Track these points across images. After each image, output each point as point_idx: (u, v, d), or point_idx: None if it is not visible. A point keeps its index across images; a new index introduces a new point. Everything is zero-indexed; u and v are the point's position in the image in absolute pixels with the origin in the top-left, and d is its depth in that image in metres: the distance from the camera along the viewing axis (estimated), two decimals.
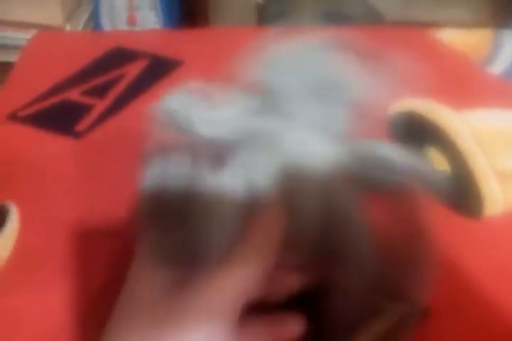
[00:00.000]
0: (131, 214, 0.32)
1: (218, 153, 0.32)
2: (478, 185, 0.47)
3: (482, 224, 0.49)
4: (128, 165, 0.55)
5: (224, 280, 0.28)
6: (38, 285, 0.42)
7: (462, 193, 0.49)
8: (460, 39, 0.79)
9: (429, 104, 0.51)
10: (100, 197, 0.51)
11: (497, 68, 0.80)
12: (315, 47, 0.35)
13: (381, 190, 0.33)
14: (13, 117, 0.62)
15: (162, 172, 0.30)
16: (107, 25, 1.49)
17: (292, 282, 0.32)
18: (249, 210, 0.30)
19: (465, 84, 0.70)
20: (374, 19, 1.43)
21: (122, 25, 1.52)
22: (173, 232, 0.28)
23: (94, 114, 0.63)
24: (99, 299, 0.40)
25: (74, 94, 0.67)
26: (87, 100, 0.66)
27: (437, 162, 0.50)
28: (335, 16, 1.32)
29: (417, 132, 0.51)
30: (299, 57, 0.35)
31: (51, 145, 0.58)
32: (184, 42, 0.82)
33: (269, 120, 0.34)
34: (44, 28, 1.24)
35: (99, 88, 0.68)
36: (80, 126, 0.61)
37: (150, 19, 1.51)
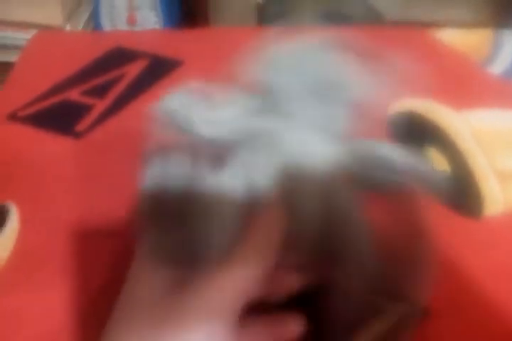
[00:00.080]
0: (131, 214, 0.32)
1: (218, 153, 0.32)
2: (478, 185, 0.47)
3: (482, 224, 0.49)
4: (128, 165, 0.55)
5: (224, 280, 0.28)
6: (38, 285, 0.42)
7: (462, 193, 0.49)
8: (460, 39, 0.79)
9: (429, 104, 0.51)
10: (100, 197, 0.51)
11: (497, 68, 0.80)
12: (315, 47, 0.35)
13: (381, 190, 0.33)
14: (13, 117, 0.62)
15: (162, 173, 0.30)
16: (107, 25, 1.49)
17: (292, 282, 0.32)
18: (250, 210, 0.30)
19: (465, 84, 0.70)
20: (374, 19, 1.43)
21: (122, 25, 1.52)
22: (173, 232, 0.28)
23: (94, 114, 0.63)
24: (99, 299, 0.40)
25: (74, 94, 0.67)
26: (87, 100, 0.66)
27: (437, 162, 0.50)
28: (335, 16, 1.32)
29: (417, 132, 0.51)
30: (299, 57, 0.35)
31: (51, 145, 0.58)
32: (184, 42, 0.82)
33: (269, 120, 0.34)
34: (44, 28, 1.24)
35: (99, 88, 0.68)
36: (80, 126, 0.61)
37: (150, 19, 1.51)
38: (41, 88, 0.68)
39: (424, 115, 0.50)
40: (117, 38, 0.84)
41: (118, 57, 0.77)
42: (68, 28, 1.31)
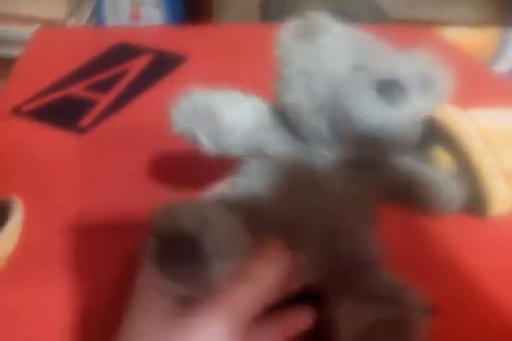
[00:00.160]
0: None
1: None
2: (484, 184, 0.47)
3: (488, 223, 0.48)
4: (132, 161, 0.55)
5: (235, 293, 0.28)
6: (41, 280, 0.41)
7: (468, 192, 0.49)
8: (465, 38, 0.79)
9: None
10: (103, 192, 0.51)
11: (503, 67, 0.80)
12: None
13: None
14: (16, 112, 0.62)
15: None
16: (109, 20, 1.48)
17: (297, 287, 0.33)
18: (256, 230, 0.29)
19: (471, 83, 0.70)
20: (378, 17, 1.42)
21: (125, 21, 1.51)
22: (182, 251, 0.27)
23: (97, 109, 0.63)
24: (102, 294, 0.40)
25: (78, 89, 0.67)
26: (91, 95, 0.66)
27: (444, 161, 0.50)
28: (338, 14, 1.32)
29: (423, 131, 0.50)
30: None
31: (55, 140, 0.58)
32: (188, 38, 0.82)
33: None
34: (47, 23, 1.23)
35: (103, 83, 0.68)
36: (84, 121, 0.61)
37: (153, 15, 1.51)
38: (44, 83, 0.68)
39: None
40: (121, 33, 0.84)
41: (122, 52, 0.77)
42: (71, 22, 1.30)
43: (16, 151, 0.56)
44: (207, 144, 0.34)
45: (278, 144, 0.33)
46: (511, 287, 0.43)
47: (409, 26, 0.85)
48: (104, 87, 0.67)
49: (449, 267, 0.44)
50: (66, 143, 0.58)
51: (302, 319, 0.32)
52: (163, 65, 0.73)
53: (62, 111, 0.63)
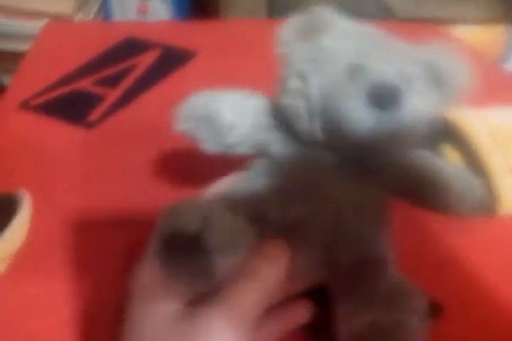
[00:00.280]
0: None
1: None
2: (492, 183, 0.47)
3: (497, 222, 0.48)
4: (139, 156, 0.55)
5: (242, 294, 0.28)
6: (47, 275, 0.42)
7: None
8: (474, 36, 0.78)
9: None
10: (111, 187, 0.51)
11: None
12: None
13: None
14: (24, 106, 0.62)
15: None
16: (117, 15, 1.48)
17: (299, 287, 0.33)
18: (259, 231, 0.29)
19: (480, 81, 0.69)
20: (386, 15, 1.42)
21: (132, 16, 1.51)
22: (186, 253, 0.27)
23: (106, 104, 0.63)
24: (108, 290, 0.40)
25: (86, 84, 0.67)
26: (99, 90, 0.66)
27: (452, 159, 0.50)
28: (345, 12, 1.32)
29: (433, 128, 0.50)
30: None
31: (63, 134, 0.58)
32: (197, 34, 0.82)
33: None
34: (54, 18, 1.23)
35: (111, 78, 0.68)
36: (92, 116, 0.61)
37: (160, 10, 1.50)
38: (52, 77, 0.68)
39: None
40: (129, 28, 0.84)
41: (130, 47, 0.77)
42: (79, 17, 1.30)
43: (23, 146, 0.56)
44: (206, 143, 0.34)
45: (277, 144, 0.33)
46: None
47: (418, 24, 0.85)
48: (113, 81, 0.67)
49: (456, 266, 0.44)
50: (74, 137, 0.58)
51: (300, 313, 0.33)
52: (172, 60, 0.73)
53: (70, 106, 0.63)
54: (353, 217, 0.32)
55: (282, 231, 0.30)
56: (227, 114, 0.33)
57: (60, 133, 0.58)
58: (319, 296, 0.33)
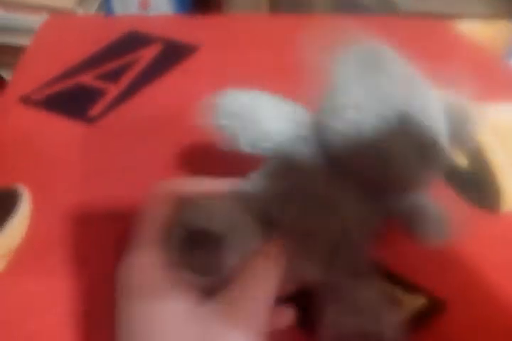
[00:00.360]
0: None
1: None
2: (496, 180, 0.47)
3: (501, 219, 0.48)
4: (140, 152, 0.55)
5: (256, 290, 0.28)
6: (47, 271, 0.41)
7: (480, 188, 0.48)
8: (478, 31, 0.78)
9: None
10: (111, 183, 0.51)
11: None
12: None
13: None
14: (25, 101, 0.62)
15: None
16: (118, 9, 1.47)
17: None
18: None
19: (484, 77, 0.69)
20: (388, 10, 1.41)
21: (134, 10, 1.50)
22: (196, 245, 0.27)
23: (107, 99, 0.62)
24: (106, 285, 0.40)
25: (87, 79, 0.66)
26: (101, 85, 0.65)
27: (457, 156, 0.49)
28: (347, 5, 1.31)
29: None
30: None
31: (64, 129, 0.58)
32: (199, 28, 0.82)
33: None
34: (56, 12, 1.23)
35: (112, 73, 0.68)
36: (93, 111, 0.60)
37: (162, 4, 1.49)
38: (54, 72, 0.67)
39: None
40: (131, 22, 0.83)
41: (132, 41, 0.76)
42: (80, 11, 1.30)
43: (23, 141, 0.56)
44: (241, 143, 0.34)
45: (306, 156, 0.34)
46: None
47: (423, 19, 0.84)
48: (114, 76, 0.67)
49: (459, 263, 0.44)
50: (75, 132, 0.57)
51: (285, 319, 0.32)
52: (174, 54, 0.73)
53: (71, 101, 0.63)
54: (356, 233, 0.33)
55: (287, 237, 0.31)
56: (274, 120, 0.34)
57: (60, 128, 0.58)
58: (302, 299, 0.33)
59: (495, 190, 0.47)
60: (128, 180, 0.51)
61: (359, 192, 0.32)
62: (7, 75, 1.27)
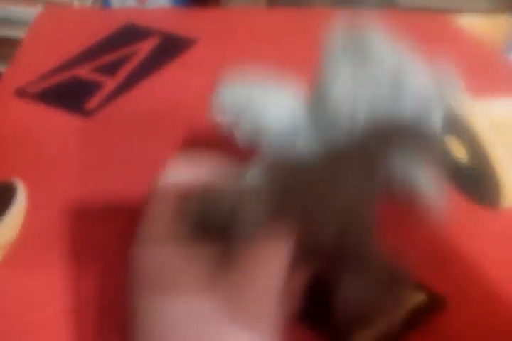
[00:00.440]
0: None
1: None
2: (496, 175, 0.46)
3: (500, 215, 0.48)
4: (137, 146, 0.54)
5: (269, 256, 0.27)
6: (44, 266, 0.41)
7: (479, 183, 0.48)
8: (478, 26, 0.78)
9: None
10: (108, 177, 0.50)
11: None
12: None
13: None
14: (21, 94, 0.61)
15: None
16: (115, 2, 1.47)
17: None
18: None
19: (484, 71, 0.69)
20: (387, 5, 1.41)
21: (131, 3, 1.49)
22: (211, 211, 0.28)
23: (104, 92, 0.62)
24: (104, 279, 0.40)
25: (84, 71, 0.66)
26: (97, 77, 0.65)
27: (456, 151, 0.49)
28: (348, 1, 1.31)
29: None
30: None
31: (60, 122, 0.57)
32: (197, 21, 0.81)
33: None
34: (52, 4, 1.22)
35: (109, 65, 0.67)
36: (90, 104, 0.60)
37: None
38: (50, 64, 0.67)
39: None
40: (129, 15, 0.82)
41: (129, 34, 0.75)
42: (76, 3, 1.29)
43: (20, 134, 0.55)
44: (243, 137, 0.34)
45: (303, 148, 0.33)
46: None
47: (423, 14, 0.84)
48: (111, 69, 0.66)
49: (459, 260, 0.44)
50: (71, 125, 0.57)
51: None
52: (171, 47, 0.72)
53: (67, 94, 0.62)
54: (362, 214, 0.33)
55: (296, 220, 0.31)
56: (272, 114, 0.33)
57: (57, 122, 0.57)
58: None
59: (495, 184, 0.47)
60: (126, 173, 0.51)
61: (359, 171, 0.32)
62: (2, 68, 1.26)
